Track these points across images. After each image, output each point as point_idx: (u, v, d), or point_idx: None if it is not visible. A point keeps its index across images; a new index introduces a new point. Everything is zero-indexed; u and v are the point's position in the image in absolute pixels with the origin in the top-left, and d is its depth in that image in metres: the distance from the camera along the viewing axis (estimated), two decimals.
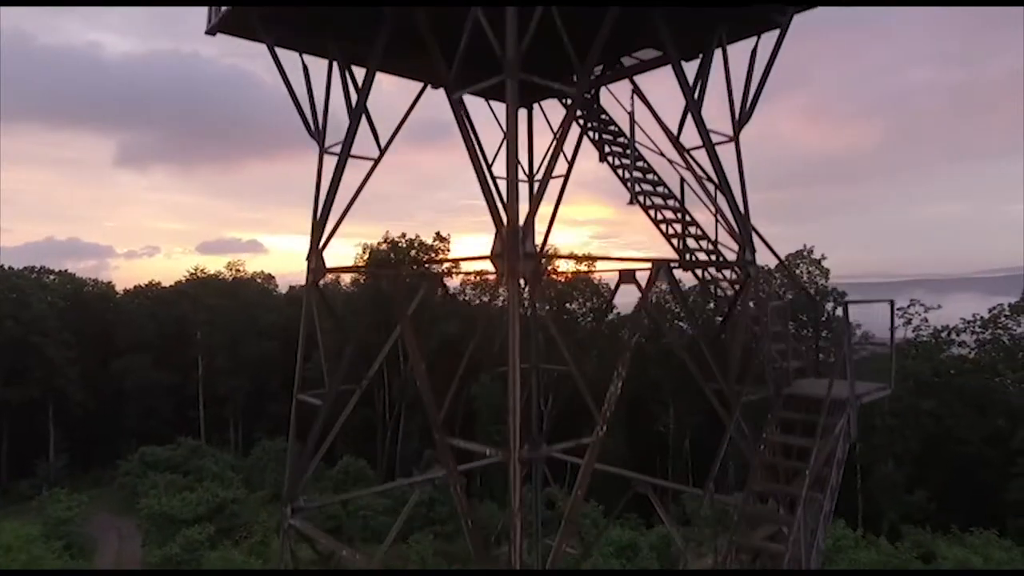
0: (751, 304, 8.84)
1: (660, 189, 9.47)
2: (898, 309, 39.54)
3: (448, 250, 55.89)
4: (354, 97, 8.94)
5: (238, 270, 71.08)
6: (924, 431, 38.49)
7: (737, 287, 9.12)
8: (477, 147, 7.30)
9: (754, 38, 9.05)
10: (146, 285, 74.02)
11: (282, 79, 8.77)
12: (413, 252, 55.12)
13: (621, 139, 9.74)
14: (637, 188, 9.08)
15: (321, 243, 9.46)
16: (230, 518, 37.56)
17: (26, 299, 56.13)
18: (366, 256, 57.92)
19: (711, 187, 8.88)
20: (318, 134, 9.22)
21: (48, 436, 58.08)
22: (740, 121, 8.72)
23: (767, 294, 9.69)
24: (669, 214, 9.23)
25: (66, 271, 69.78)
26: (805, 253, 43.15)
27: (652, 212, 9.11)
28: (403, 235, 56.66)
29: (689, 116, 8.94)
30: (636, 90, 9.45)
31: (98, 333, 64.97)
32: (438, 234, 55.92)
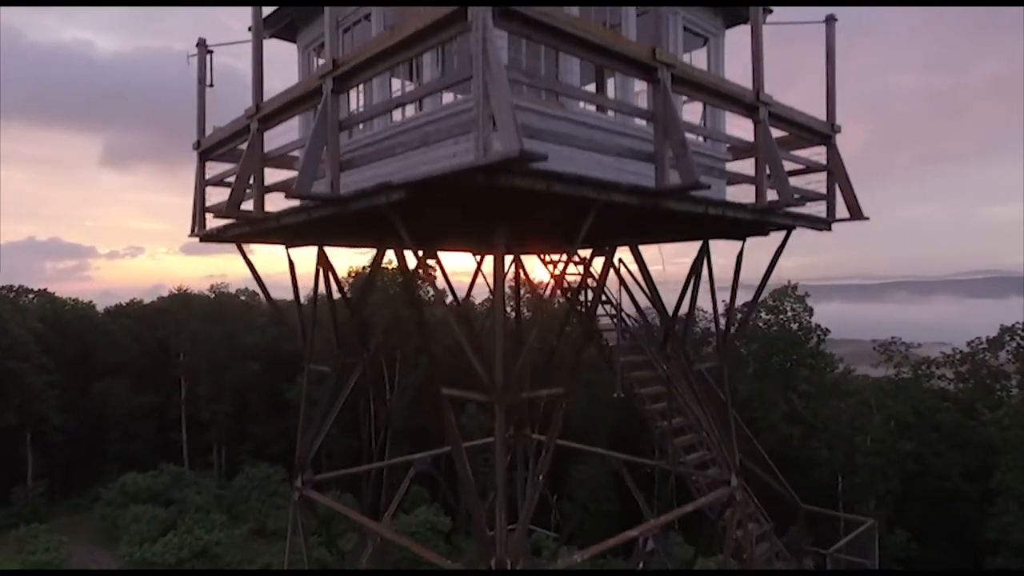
0: (736, 530, 8.83)
1: (649, 375, 9.44)
2: (880, 345, 39.41)
3: (435, 276, 55.45)
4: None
5: (222, 291, 70.31)
6: (905, 470, 39.01)
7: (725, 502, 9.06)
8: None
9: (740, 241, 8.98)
10: (127, 303, 73.14)
11: (263, 292, 8.58)
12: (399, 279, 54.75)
13: (608, 305, 9.70)
14: (625, 375, 9.09)
15: (310, 455, 9.22)
16: (213, 560, 37.23)
17: (3, 324, 55.13)
18: (351, 280, 57.40)
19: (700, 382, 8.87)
20: (306, 349, 9.03)
21: (26, 463, 57.11)
22: (727, 346, 8.64)
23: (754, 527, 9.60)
24: (659, 408, 9.21)
25: (44, 290, 68.76)
26: (789, 290, 43.46)
27: (639, 404, 9.10)
28: (388, 261, 56.10)
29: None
30: (622, 283, 9.36)
31: (78, 355, 64.04)
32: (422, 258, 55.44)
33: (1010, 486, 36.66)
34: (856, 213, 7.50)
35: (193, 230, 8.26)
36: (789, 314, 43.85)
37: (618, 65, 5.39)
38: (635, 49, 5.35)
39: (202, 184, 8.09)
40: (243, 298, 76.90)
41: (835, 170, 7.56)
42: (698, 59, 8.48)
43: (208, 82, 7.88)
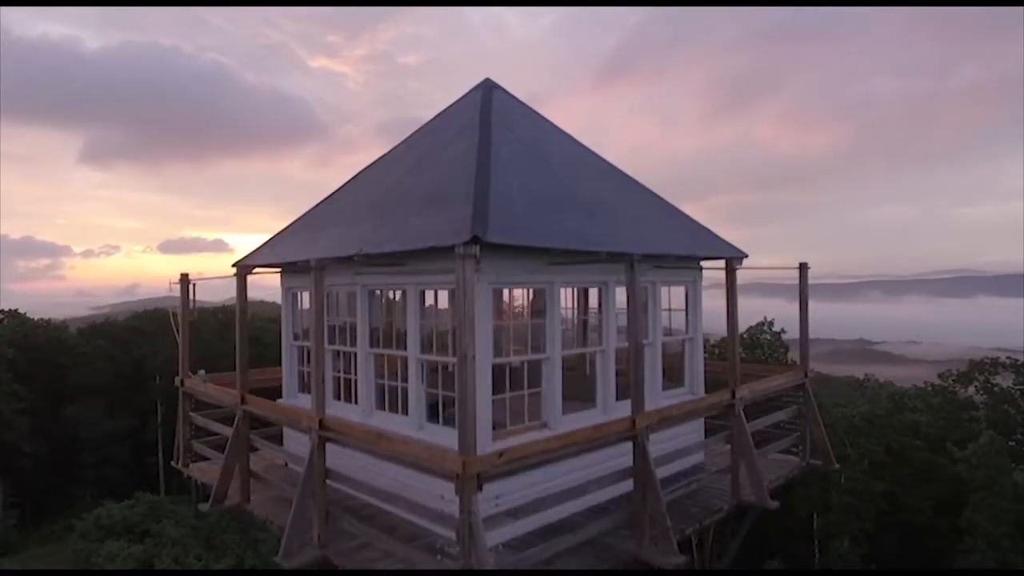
0: None
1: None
2: (855, 382, 40.20)
3: None
4: None
5: (199, 310, 69.59)
6: (878, 508, 39.84)
7: None
8: None
9: None
10: (102, 323, 72.09)
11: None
12: None
13: None
14: None
15: None
16: None
17: None
18: None
19: None
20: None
21: None
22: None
23: None
24: None
25: (16, 311, 67.41)
26: (766, 326, 44.04)
27: None
28: None
29: None
30: None
31: (50, 379, 62.91)
32: None
33: (978, 524, 37.59)
34: (827, 460, 7.71)
35: (176, 461, 8.22)
36: (766, 349, 44.42)
37: (605, 442, 5.56)
38: (619, 428, 5.50)
39: (187, 417, 8.04)
40: (220, 316, 76.08)
41: (808, 413, 7.77)
42: (677, 292, 8.68)
43: (191, 315, 7.83)
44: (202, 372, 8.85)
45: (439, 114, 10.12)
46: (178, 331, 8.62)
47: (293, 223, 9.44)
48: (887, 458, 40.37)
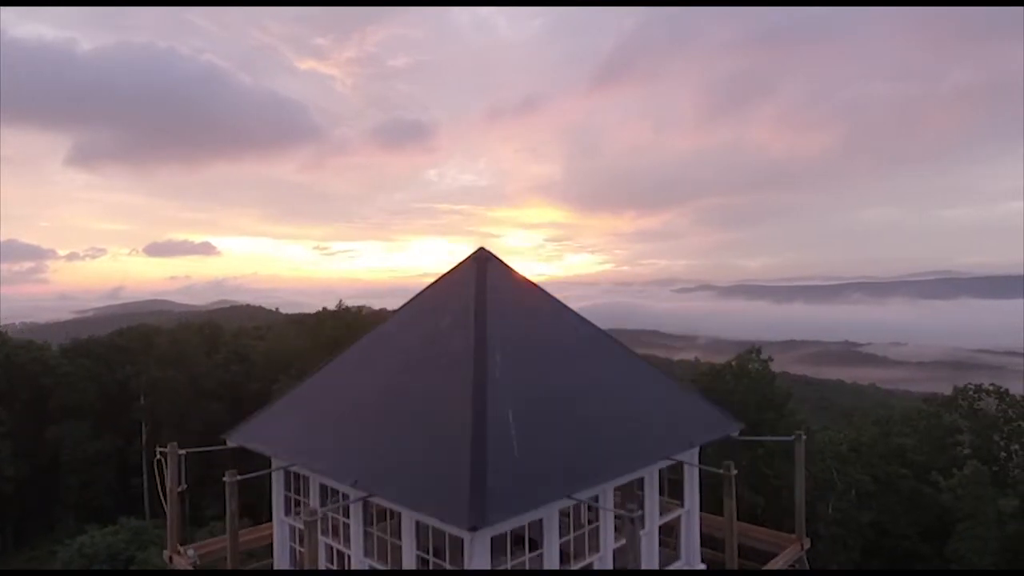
0: None
1: None
2: (843, 408, 40.38)
3: None
4: None
5: (184, 326, 69.15)
6: (865, 538, 40.17)
7: None
8: None
9: None
10: (86, 340, 71.16)
11: None
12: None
13: None
14: None
15: None
16: None
17: None
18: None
19: None
20: None
21: None
22: None
23: None
24: None
25: None
26: (753, 354, 44.31)
27: None
28: (359, 308, 56.14)
29: None
30: None
31: (32, 400, 61.96)
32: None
33: (964, 555, 38.01)
34: None
35: None
36: (753, 376, 44.62)
37: None
38: None
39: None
40: (207, 332, 75.51)
41: None
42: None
43: (180, 486, 7.67)
44: (191, 552, 8.67)
45: (438, 281, 10.10)
46: (166, 501, 8.42)
47: (289, 393, 9.29)
48: (874, 487, 40.69)
